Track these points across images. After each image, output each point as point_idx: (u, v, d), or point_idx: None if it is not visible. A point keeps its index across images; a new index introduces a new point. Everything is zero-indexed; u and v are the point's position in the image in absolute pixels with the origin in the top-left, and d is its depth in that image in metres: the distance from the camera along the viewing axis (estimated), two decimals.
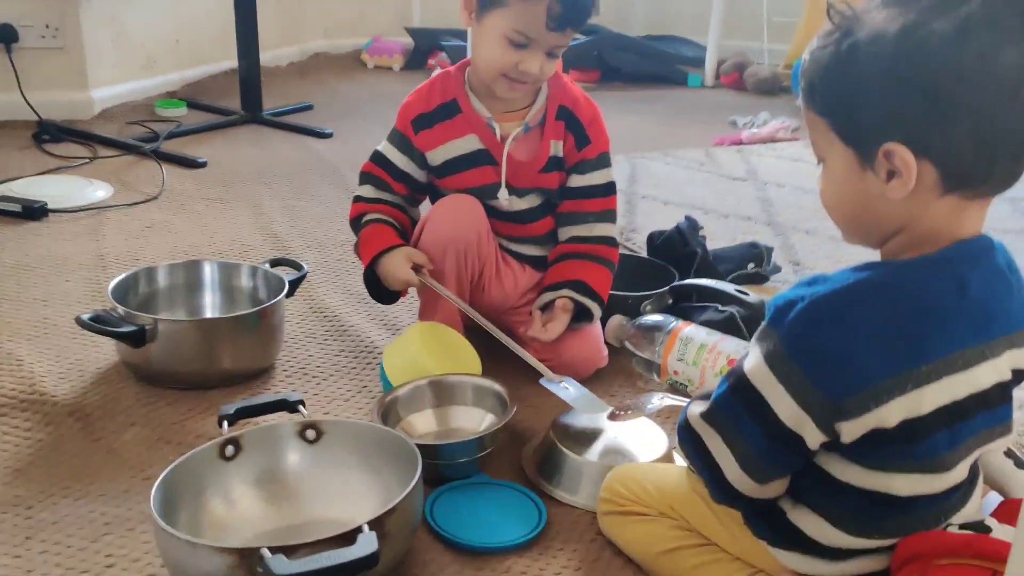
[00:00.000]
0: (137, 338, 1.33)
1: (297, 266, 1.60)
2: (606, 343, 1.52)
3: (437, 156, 1.44)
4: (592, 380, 1.46)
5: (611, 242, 1.48)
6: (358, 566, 0.84)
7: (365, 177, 1.49)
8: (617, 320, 1.57)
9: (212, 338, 1.38)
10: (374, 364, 1.52)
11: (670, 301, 1.60)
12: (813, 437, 0.85)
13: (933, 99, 0.79)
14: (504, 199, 1.44)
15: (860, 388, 0.82)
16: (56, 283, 1.76)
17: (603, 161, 1.48)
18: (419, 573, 1.04)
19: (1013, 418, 0.91)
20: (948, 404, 0.84)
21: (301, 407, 1.16)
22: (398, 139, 1.46)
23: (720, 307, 1.53)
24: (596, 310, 1.45)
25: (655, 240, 1.76)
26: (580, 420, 1.27)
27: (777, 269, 1.91)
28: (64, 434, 1.28)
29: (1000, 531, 0.88)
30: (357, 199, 1.48)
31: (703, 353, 1.42)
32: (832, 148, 0.87)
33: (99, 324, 1.34)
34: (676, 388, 1.46)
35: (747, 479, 0.90)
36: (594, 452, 1.20)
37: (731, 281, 1.84)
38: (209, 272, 1.59)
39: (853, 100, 0.84)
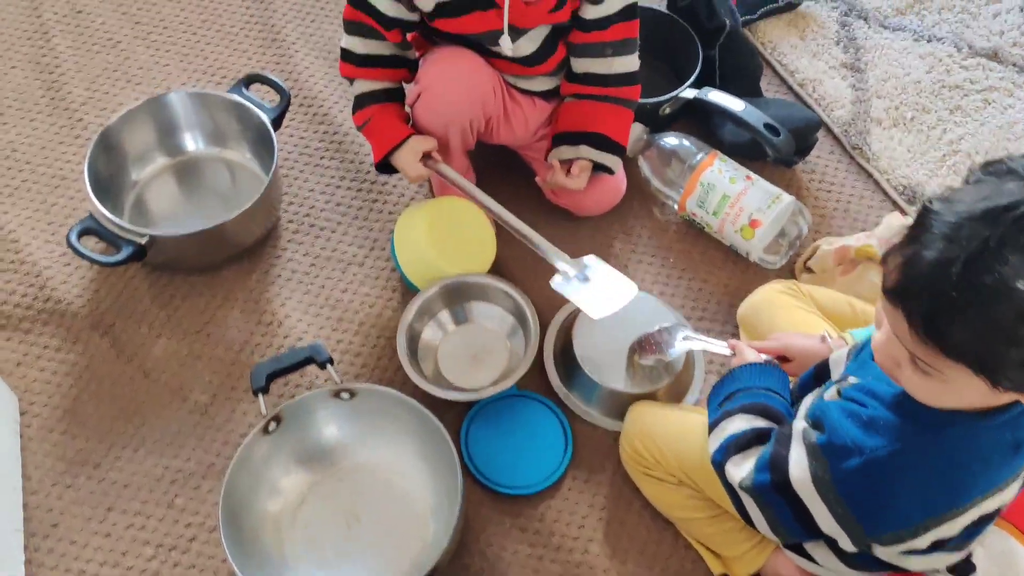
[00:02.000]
0: (138, 256, 1.27)
1: (275, 86, 1.42)
2: None
3: (426, 1, 1.20)
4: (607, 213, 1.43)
5: (632, 79, 1.30)
6: None
7: (351, 27, 1.24)
8: (636, 131, 1.44)
9: (213, 239, 1.30)
10: (380, 201, 1.46)
11: (692, 96, 1.45)
12: (846, 544, 0.92)
13: None
14: (507, 48, 1.23)
15: (899, 528, 0.89)
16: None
17: None
18: (465, 529, 1.18)
19: None
20: (976, 520, 0.90)
21: (330, 365, 1.18)
22: None
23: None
24: (617, 165, 1.34)
25: (677, 2, 1.51)
26: (600, 330, 1.26)
27: None
28: (95, 354, 1.30)
29: (981, 568, 1.00)
30: (346, 55, 1.26)
31: (725, 205, 1.35)
32: (949, 369, 0.77)
33: (92, 238, 1.27)
34: (691, 223, 1.43)
35: (773, 536, 0.99)
36: (613, 375, 1.24)
37: (760, 15, 1.64)
38: (180, 108, 1.42)
39: (997, 345, 0.73)
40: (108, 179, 1.38)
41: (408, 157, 1.26)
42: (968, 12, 1.67)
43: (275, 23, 1.68)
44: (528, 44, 1.25)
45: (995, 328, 0.71)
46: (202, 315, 1.34)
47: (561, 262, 1.25)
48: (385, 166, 1.31)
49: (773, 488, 0.93)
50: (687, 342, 1.20)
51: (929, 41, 1.62)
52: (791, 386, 1.09)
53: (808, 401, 1.02)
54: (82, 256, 1.25)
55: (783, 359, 1.13)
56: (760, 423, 0.99)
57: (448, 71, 1.24)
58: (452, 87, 1.24)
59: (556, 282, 1.25)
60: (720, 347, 1.17)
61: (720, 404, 1.06)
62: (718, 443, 1.01)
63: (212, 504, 1.20)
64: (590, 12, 1.24)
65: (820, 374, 1.06)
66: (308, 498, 1.19)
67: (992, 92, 1.55)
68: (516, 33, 1.21)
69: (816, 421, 0.92)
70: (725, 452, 0.99)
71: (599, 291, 1.24)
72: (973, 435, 0.83)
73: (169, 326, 1.33)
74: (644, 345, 1.23)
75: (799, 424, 0.94)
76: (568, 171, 1.33)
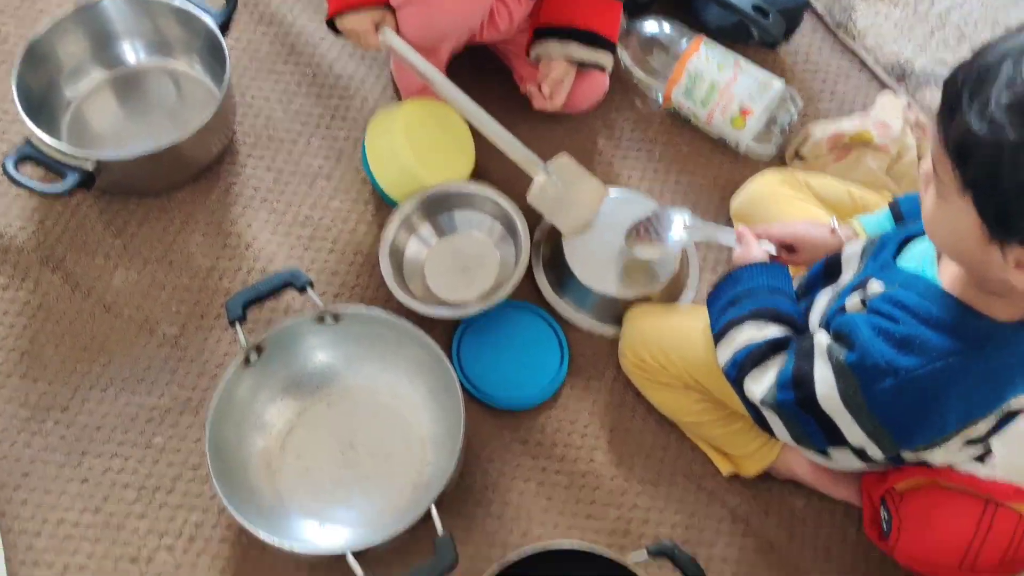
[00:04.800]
0: (85, 184, 1.15)
1: None
2: None
3: None
4: None
5: None
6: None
7: None
8: None
9: (167, 161, 1.19)
10: (343, 107, 1.35)
11: None
12: (875, 453, 0.89)
13: None
14: None
15: (933, 438, 0.86)
16: None
17: None
18: (465, 447, 1.13)
19: None
20: (1003, 416, 0.88)
21: (310, 289, 1.10)
22: None
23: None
24: (609, 62, 1.25)
25: None
26: (591, 235, 1.19)
27: None
28: (48, 291, 1.20)
29: (999, 453, 0.98)
30: None
31: (714, 94, 1.28)
32: (959, 204, 0.73)
33: (31, 165, 1.15)
34: (676, 114, 1.35)
35: (796, 445, 0.96)
36: (606, 281, 1.17)
37: None
38: (116, 14, 1.28)
39: (1010, 199, 0.69)
40: (39, 98, 1.24)
41: (364, 22, 1.13)
42: None
43: None
44: None
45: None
46: (161, 241, 1.24)
47: (538, 170, 1.16)
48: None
49: (798, 405, 0.88)
50: (689, 231, 1.13)
51: None
52: (795, 282, 1.05)
53: (822, 303, 0.97)
54: (22, 186, 1.14)
55: (789, 248, 1.07)
56: (773, 330, 0.94)
57: None
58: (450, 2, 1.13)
59: (532, 195, 1.17)
60: (727, 236, 1.09)
61: (724, 309, 1.00)
62: (730, 355, 0.96)
63: (193, 441, 1.13)
64: None
65: (830, 270, 1.01)
66: (297, 427, 1.12)
67: None
68: None
69: (841, 335, 0.86)
70: (740, 368, 0.94)
71: (573, 203, 1.17)
72: (1014, 346, 0.79)
73: (126, 255, 1.23)
74: (640, 233, 1.16)
75: (822, 338, 0.89)
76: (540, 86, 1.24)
